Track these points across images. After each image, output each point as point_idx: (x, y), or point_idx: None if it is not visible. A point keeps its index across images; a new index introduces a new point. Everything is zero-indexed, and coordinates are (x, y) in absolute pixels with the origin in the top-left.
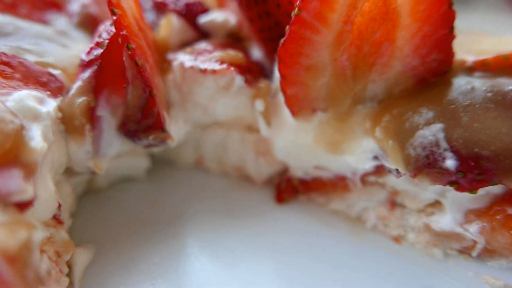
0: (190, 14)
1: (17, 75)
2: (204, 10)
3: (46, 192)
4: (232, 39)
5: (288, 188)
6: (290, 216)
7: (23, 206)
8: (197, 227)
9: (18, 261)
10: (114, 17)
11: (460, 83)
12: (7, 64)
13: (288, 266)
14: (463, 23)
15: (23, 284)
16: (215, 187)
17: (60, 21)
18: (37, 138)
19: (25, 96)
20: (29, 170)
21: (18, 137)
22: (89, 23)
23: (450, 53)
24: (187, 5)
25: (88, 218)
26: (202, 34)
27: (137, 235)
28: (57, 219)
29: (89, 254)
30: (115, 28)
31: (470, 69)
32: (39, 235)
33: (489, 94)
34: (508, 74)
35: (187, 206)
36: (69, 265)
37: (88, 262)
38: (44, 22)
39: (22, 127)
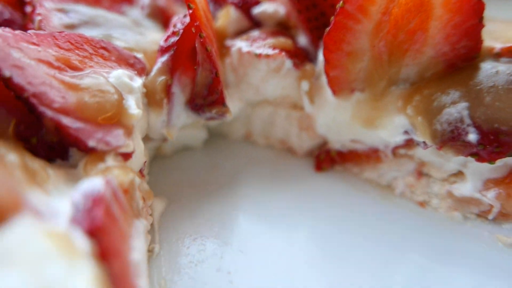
0: (245, 6)
1: (113, 58)
2: (257, 1)
3: (139, 149)
4: (281, 27)
5: (326, 159)
6: (327, 183)
7: (126, 156)
8: (247, 190)
9: (128, 194)
10: (190, 11)
11: (487, 67)
12: (105, 48)
13: (325, 224)
14: (494, 12)
15: (130, 211)
16: (261, 158)
17: (134, 12)
18: (133, 106)
19: (121, 74)
20: (129, 131)
21: (120, 105)
22: (157, 14)
23: (479, 40)
24: (245, 1)
25: (156, 178)
26: (255, 23)
27: (196, 194)
28: (141, 172)
29: (163, 204)
30: (190, 20)
31: (497, 55)
32: (137, 179)
33: (511, 77)
34: None
35: (237, 172)
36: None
37: (162, 210)
38: (121, 13)
39: (122, 98)
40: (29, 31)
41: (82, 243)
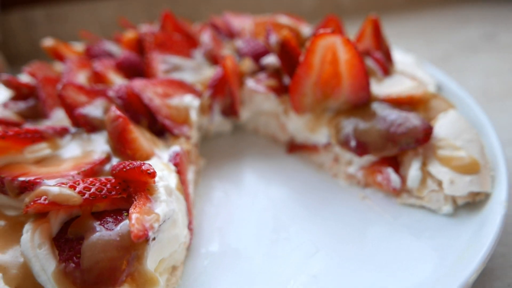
0: (256, 58)
1: (185, 89)
2: (266, 52)
3: (195, 135)
4: (276, 71)
5: (293, 146)
6: (293, 160)
7: (188, 138)
8: (251, 162)
9: (189, 153)
10: (222, 72)
11: (371, 107)
12: (181, 84)
13: (296, 190)
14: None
15: (188, 160)
16: (260, 142)
17: (197, 55)
18: (193, 115)
19: (189, 98)
20: (191, 126)
21: (187, 114)
22: (210, 57)
23: (369, 92)
24: (257, 54)
25: (201, 149)
26: (262, 68)
27: (222, 163)
28: (195, 146)
29: (203, 161)
30: (223, 74)
31: (381, 101)
32: (193, 148)
33: (380, 113)
34: (398, 107)
35: (243, 149)
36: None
37: (204, 165)
38: (190, 56)
39: (188, 110)
40: (152, 80)
41: (172, 167)
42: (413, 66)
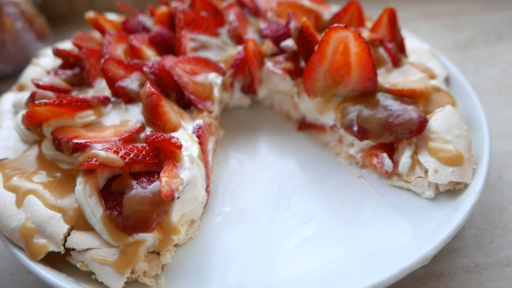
0: (276, 41)
1: (210, 67)
2: (286, 36)
3: (217, 108)
4: (294, 54)
5: (303, 124)
6: (302, 137)
7: (211, 112)
8: (265, 136)
9: (210, 126)
10: (243, 54)
11: (376, 96)
12: (207, 62)
13: (301, 164)
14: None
15: (209, 132)
16: (275, 118)
17: (223, 31)
18: (216, 91)
19: (213, 75)
20: (213, 101)
21: (211, 91)
22: (235, 36)
23: (375, 83)
24: (277, 37)
25: (221, 120)
26: (281, 50)
27: (239, 134)
28: (216, 118)
29: (223, 132)
30: (245, 56)
31: (385, 91)
32: (214, 121)
33: (383, 103)
34: (400, 99)
35: (262, 124)
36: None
37: (222, 135)
38: (217, 34)
39: (212, 87)
40: (180, 57)
41: (195, 139)
42: (427, 55)
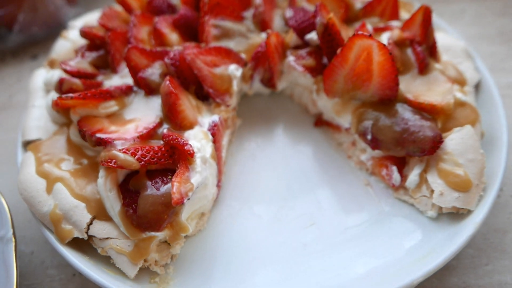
0: (300, 33)
1: (231, 58)
2: (311, 27)
3: (235, 101)
4: (318, 48)
5: (320, 121)
6: (318, 133)
7: (228, 106)
8: (281, 128)
9: (226, 121)
10: (265, 47)
11: (395, 106)
12: (228, 52)
13: (313, 164)
14: None
15: (225, 127)
16: (294, 109)
17: (248, 15)
18: (235, 85)
19: (233, 67)
20: (231, 95)
21: (230, 84)
22: (260, 22)
23: (396, 92)
24: (302, 28)
25: (239, 108)
26: (306, 43)
27: (256, 123)
28: (234, 109)
29: (240, 121)
30: (266, 50)
31: (405, 102)
32: (231, 114)
33: (400, 115)
34: (419, 113)
35: (279, 115)
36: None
37: (239, 125)
38: (241, 19)
39: (231, 80)
40: (202, 46)
41: (210, 137)
42: (461, 55)
